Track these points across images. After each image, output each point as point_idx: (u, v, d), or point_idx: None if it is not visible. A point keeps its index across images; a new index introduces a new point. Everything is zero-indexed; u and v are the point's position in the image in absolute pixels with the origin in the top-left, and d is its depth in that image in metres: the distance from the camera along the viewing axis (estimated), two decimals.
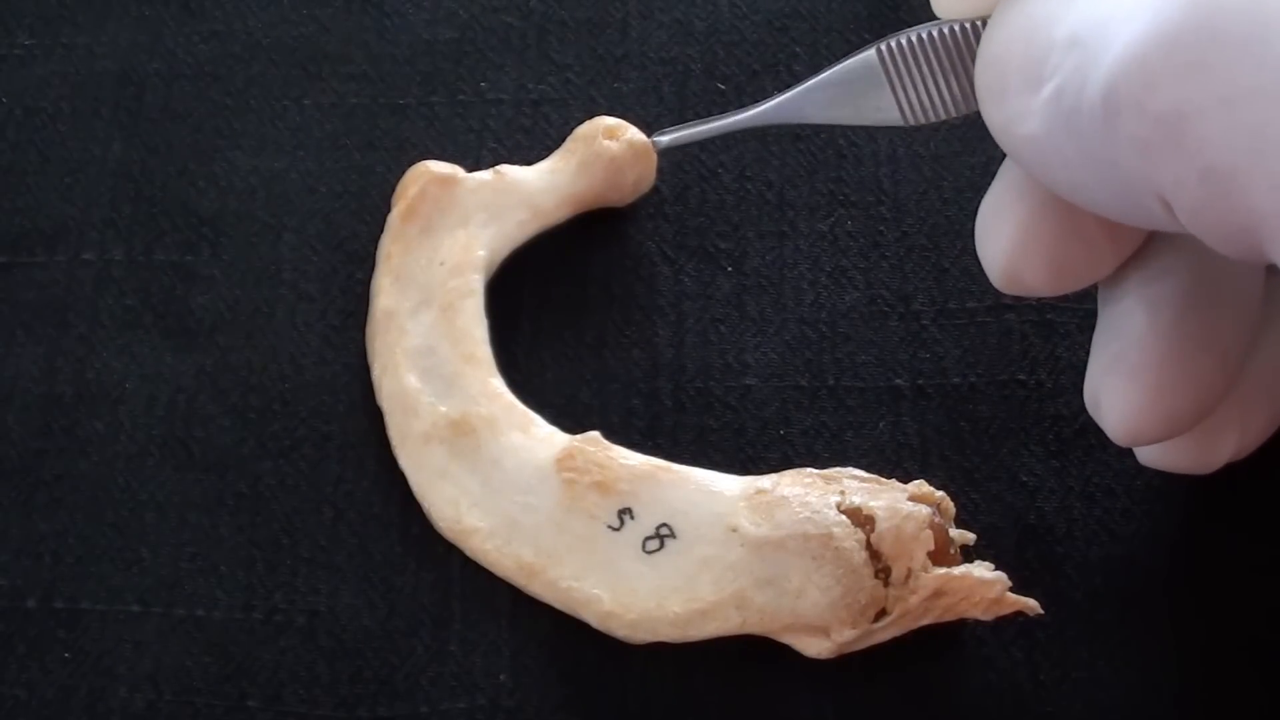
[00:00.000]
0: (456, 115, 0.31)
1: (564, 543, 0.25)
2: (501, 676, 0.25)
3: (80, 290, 0.29)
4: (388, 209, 0.29)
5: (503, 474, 0.26)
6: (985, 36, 0.21)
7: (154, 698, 0.25)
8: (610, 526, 0.25)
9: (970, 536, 0.25)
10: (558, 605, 0.25)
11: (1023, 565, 0.26)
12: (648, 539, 0.25)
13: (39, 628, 0.26)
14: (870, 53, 0.24)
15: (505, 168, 0.29)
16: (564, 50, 0.32)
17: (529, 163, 0.29)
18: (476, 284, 0.28)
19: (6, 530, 0.27)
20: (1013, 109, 0.20)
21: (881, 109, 0.24)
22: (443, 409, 0.27)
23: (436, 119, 0.31)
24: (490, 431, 0.26)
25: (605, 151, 0.28)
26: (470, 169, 0.29)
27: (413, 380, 0.27)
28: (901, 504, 0.25)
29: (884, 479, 0.26)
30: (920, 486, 0.25)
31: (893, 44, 0.23)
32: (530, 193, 0.28)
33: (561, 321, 0.29)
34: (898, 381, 0.28)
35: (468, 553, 0.26)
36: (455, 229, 0.28)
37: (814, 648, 0.24)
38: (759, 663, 0.25)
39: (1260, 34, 0.16)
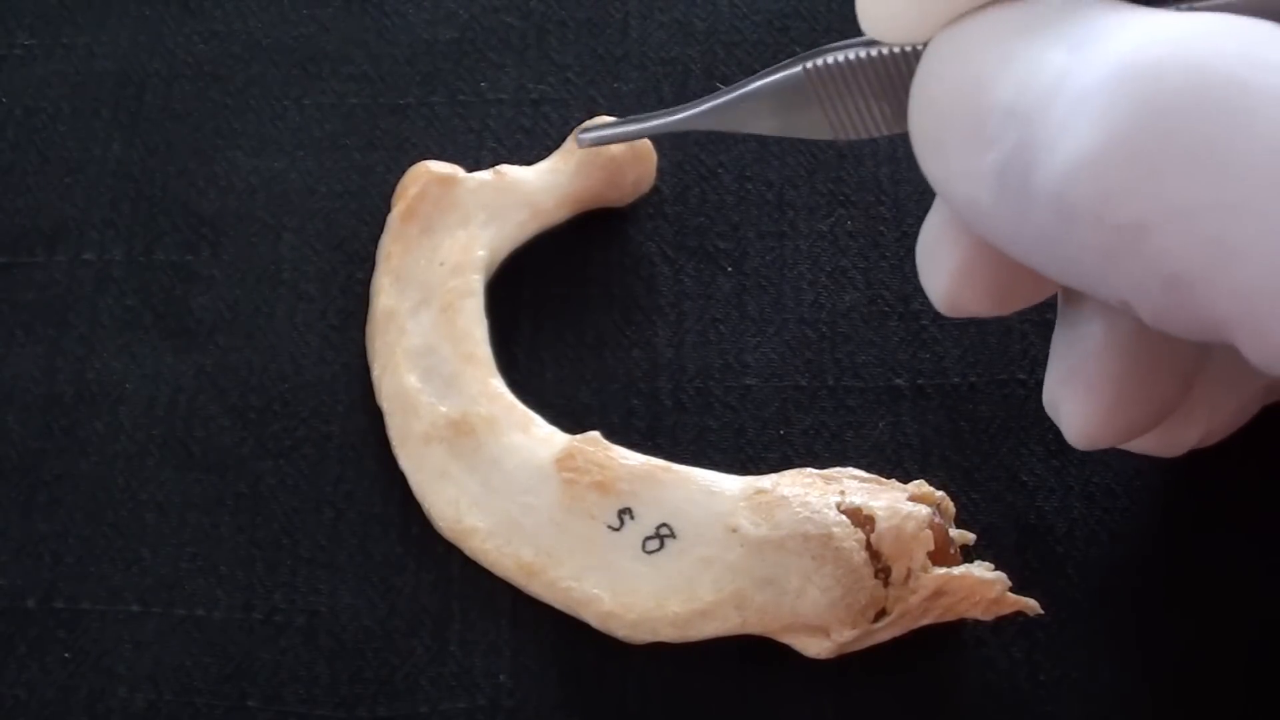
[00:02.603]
0: (456, 115, 0.31)
1: (564, 543, 0.25)
2: (501, 676, 0.25)
3: (80, 290, 0.29)
4: (388, 209, 0.29)
5: (503, 474, 0.26)
6: (918, 79, 0.20)
7: (154, 698, 0.25)
8: (610, 526, 0.25)
9: (970, 536, 0.25)
10: (558, 605, 0.25)
11: (1023, 565, 0.26)
12: (648, 539, 0.25)
13: (39, 628, 0.26)
14: (797, 71, 0.22)
15: (505, 168, 0.29)
16: (564, 50, 0.32)
17: (529, 163, 0.29)
18: (476, 284, 0.28)
19: (6, 530, 0.27)
20: (953, 168, 0.19)
21: (811, 124, 0.23)
22: (443, 409, 0.27)
23: (436, 119, 0.31)
24: (490, 431, 0.26)
25: (605, 151, 0.28)
26: (470, 169, 0.29)
27: (413, 380, 0.27)
28: (901, 504, 0.25)
29: (884, 479, 0.26)
30: (920, 486, 0.25)
31: (820, 63, 0.22)
32: (530, 193, 0.28)
33: (561, 321, 0.29)
34: (898, 381, 0.28)
35: (468, 553, 0.26)
36: (455, 229, 0.28)
37: (814, 648, 0.24)
38: (759, 663, 0.25)
39: (1216, 142, 0.16)
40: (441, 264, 0.28)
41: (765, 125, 0.23)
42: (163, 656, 0.26)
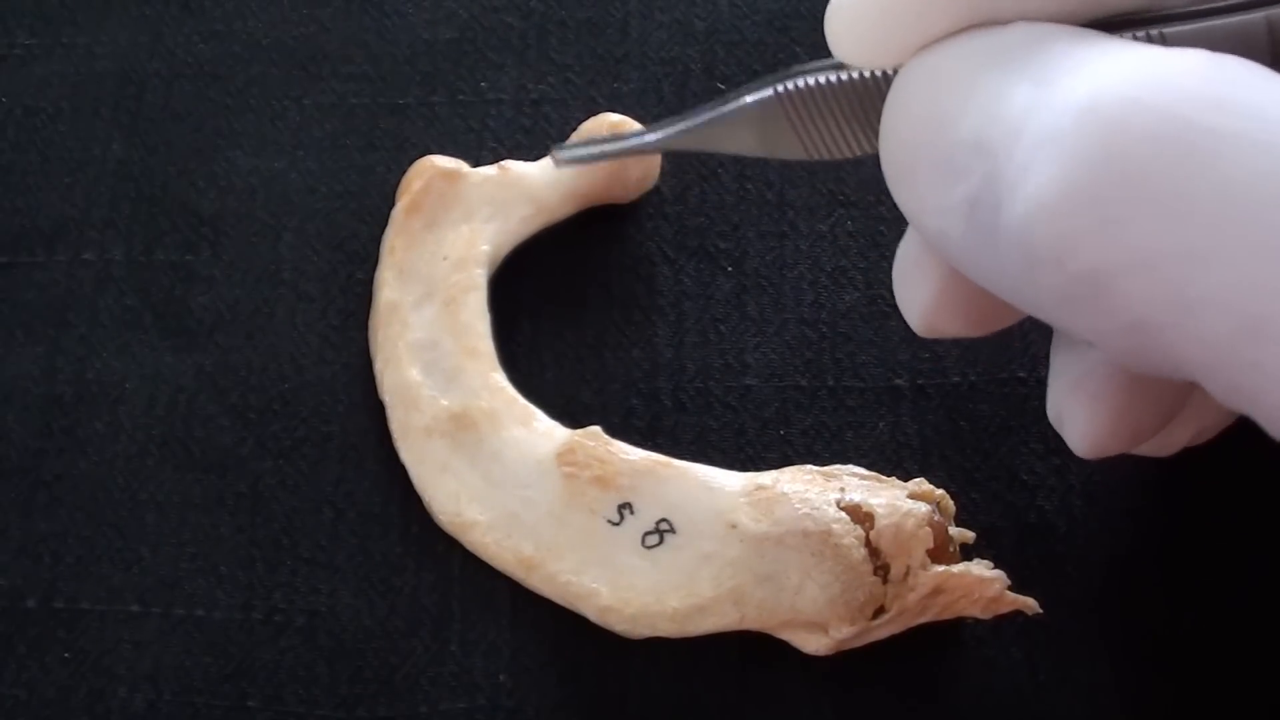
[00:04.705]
0: (456, 115, 0.31)
1: (564, 537, 0.25)
2: (501, 676, 0.25)
3: (80, 290, 0.29)
4: (388, 209, 0.29)
5: (503, 468, 0.26)
6: (888, 110, 0.20)
7: (154, 698, 0.25)
8: (610, 521, 0.25)
9: (970, 535, 0.25)
10: (557, 599, 0.25)
11: (1022, 565, 0.26)
12: (647, 534, 0.25)
13: (39, 628, 0.26)
14: (769, 94, 0.22)
15: (510, 163, 0.29)
16: (564, 50, 0.32)
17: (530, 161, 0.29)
18: (480, 278, 0.28)
19: (6, 530, 0.27)
20: (925, 201, 0.19)
21: (785, 145, 0.22)
22: (444, 402, 0.27)
23: (436, 119, 0.31)
24: (491, 425, 0.26)
25: None
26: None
27: (415, 374, 0.27)
28: (901, 501, 0.25)
29: (884, 476, 0.26)
30: (920, 484, 0.25)
31: (791, 86, 0.22)
32: (534, 188, 0.28)
33: (561, 321, 0.29)
34: (898, 381, 0.28)
35: (468, 546, 0.26)
36: (459, 223, 0.28)
37: (812, 644, 0.24)
38: (758, 660, 0.25)
39: (1178, 189, 0.16)
40: (445, 258, 0.28)
41: (739, 146, 0.23)
42: (163, 656, 0.26)
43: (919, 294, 0.22)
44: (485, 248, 0.28)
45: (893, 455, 0.27)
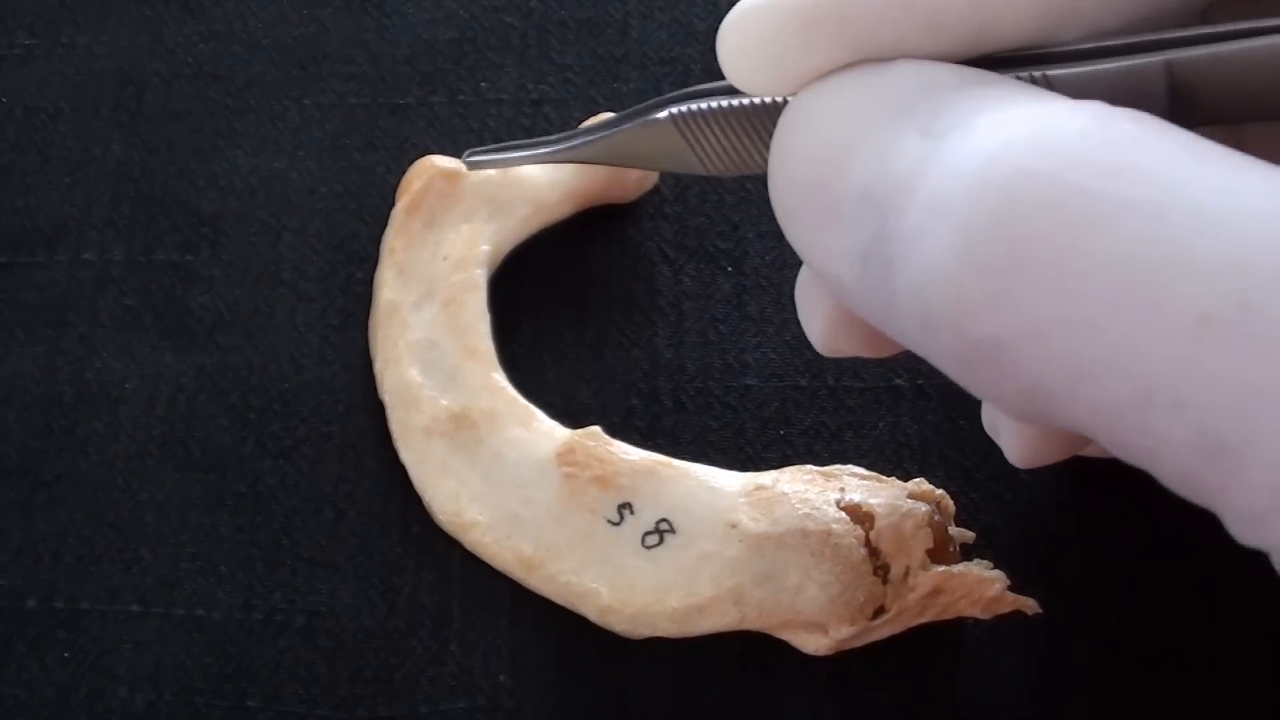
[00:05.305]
0: (456, 115, 0.31)
1: (564, 537, 0.25)
2: (501, 676, 0.25)
3: (80, 290, 0.29)
4: (388, 209, 0.29)
5: (503, 467, 0.26)
6: (775, 148, 0.20)
7: (154, 698, 0.25)
8: (610, 521, 0.25)
9: (969, 535, 0.25)
10: (557, 599, 0.25)
11: (1022, 564, 0.26)
12: (647, 534, 0.25)
13: (39, 628, 0.26)
14: (664, 117, 0.22)
15: None
16: (564, 50, 0.32)
17: None
18: (479, 278, 0.28)
19: (6, 530, 0.27)
20: (816, 244, 0.19)
21: (683, 162, 0.23)
22: (444, 402, 0.27)
23: (436, 119, 0.31)
24: (491, 425, 0.26)
25: None
26: None
27: (415, 373, 0.27)
28: (901, 501, 0.25)
29: (884, 476, 0.26)
30: (920, 484, 0.25)
31: (686, 109, 0.22)
32: (534, 188, 0.28)
33: (561, 321, 0.29)
34: (898, 381, 0.28)
35: (468, 546, 0.26)
36: (459, 223, 0.28)
37: (812, 644, 0.24)
38: (758, 660, 0.25)
39: (1066, 258, 0.16)
40: (445, 258, 0.28)
41: (640, 161, 0.23)
42: (163, 656, 0.26)
43: (816, 316, 0.22)
44: (485, 248, 0.28)
45: (893, 455, 0.27)
